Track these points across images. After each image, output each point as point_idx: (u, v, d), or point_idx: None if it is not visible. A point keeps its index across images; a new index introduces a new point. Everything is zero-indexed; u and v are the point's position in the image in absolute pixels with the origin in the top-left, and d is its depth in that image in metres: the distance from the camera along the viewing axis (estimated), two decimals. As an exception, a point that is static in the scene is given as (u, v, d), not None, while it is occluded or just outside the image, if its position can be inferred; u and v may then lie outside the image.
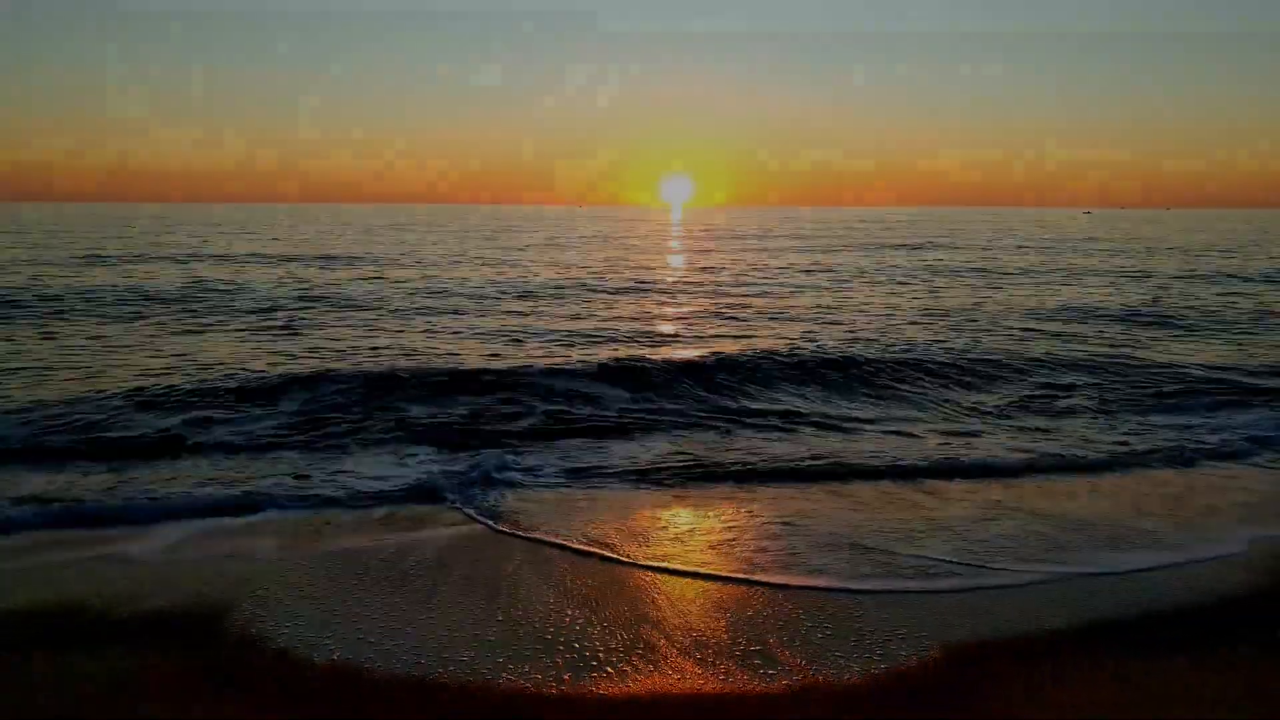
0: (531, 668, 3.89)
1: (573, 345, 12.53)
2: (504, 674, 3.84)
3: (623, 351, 11.95)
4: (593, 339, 13.14)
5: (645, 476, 6.87)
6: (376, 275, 23.21)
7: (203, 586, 4.74)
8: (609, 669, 3.89)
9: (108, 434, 7.62)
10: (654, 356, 11.41)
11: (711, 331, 14.12)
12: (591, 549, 5.33)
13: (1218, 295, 19.99)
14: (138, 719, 3.51)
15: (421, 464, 7.10)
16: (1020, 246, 39.74)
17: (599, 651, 4.04)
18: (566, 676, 3.81)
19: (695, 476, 6.88)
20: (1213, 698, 3.65)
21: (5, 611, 4.44)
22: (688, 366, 10.55)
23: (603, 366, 10.41)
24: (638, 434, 8.12)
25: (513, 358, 11.42)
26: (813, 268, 27.62)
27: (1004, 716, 3.54)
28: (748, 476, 6.88)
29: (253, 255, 29.67)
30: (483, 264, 27.67)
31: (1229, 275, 25.07)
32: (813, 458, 7.34)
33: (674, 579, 4.92)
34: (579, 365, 10.58)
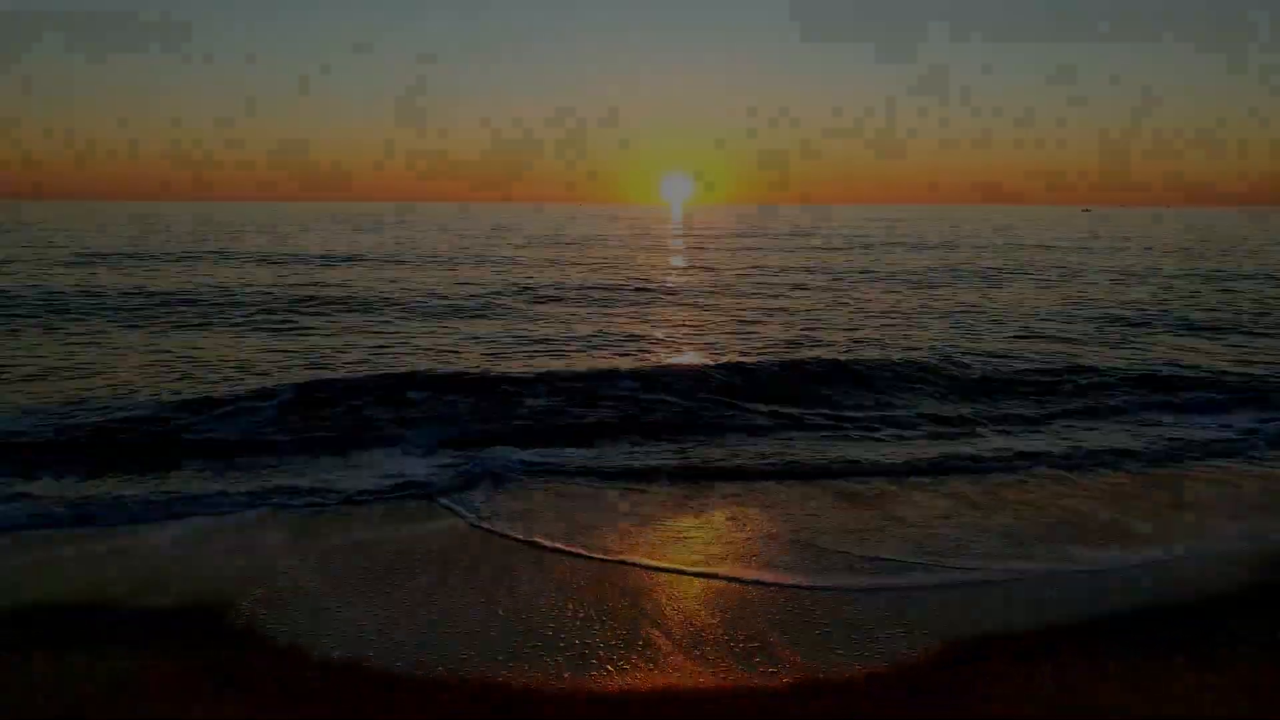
0: (531, 665, 3.89)
1: (570, 345, 12.52)
2: (504, 672, 3.84)
3: (619, 352, 11.97)
4: (590, 339, 13.13)
5: (642, 477, 6.88)
6: (376, 274, 23.20)
7: (202, 585, 4.75)
8: (609, 667, 3.89)
9: (107, 432, 7.62)
10: (651, 357, 11.44)
11: (709, 331, 14.12)
12: (589, 548, 5.33)
13: (1217, 294, 20.00)
14: (138, 719, 3.51)
15: (420, 463, 7.10)
16: (1019, 246, 39.74)
17: (598, 649, 4.05)
18: (567, 674, 3.82)
19: (692, 476, 6.90)
20: (1213, 698, 3.65)
21: (5, 611, 4.44)
22: (685, 367, 10.55)
23: (599, 367, 10.42)
24: (634, 434, 8.12)
25: (511, 357, 11.43)
26: (812, 266, 27.62)
27: (1004, 714, 3.55)
28: (744, 476, 6.90)
29: (254, 252, 29.65)
30: (481, 263, 27.66)
31: (1228, 274, 25.08)
32: (807, 457, 7.37)
33: (672, 577, 4.93)
34: (576, 366, 10.60)
